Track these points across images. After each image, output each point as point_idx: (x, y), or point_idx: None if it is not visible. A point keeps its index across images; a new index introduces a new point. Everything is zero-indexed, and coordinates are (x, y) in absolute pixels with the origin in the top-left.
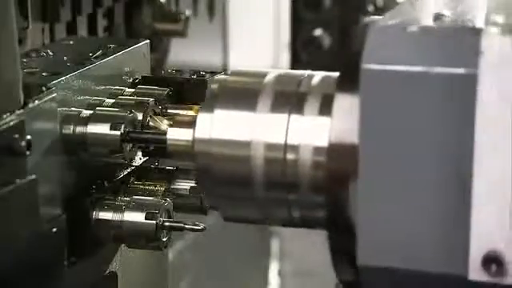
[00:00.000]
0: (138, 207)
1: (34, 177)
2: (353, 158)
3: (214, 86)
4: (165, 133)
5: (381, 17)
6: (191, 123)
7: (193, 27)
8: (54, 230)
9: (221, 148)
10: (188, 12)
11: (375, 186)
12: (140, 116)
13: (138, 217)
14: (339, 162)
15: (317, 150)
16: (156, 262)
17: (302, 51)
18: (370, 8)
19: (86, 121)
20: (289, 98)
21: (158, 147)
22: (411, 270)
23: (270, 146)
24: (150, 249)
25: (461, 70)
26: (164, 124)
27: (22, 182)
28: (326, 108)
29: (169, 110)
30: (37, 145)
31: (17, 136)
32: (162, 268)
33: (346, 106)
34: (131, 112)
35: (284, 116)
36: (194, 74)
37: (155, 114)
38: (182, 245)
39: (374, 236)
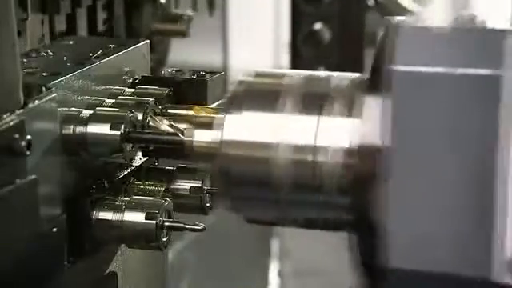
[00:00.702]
0: (137, 207)
1: (33, 177)
2: (381, 160)
3: (240, 88)
4: (171, 133)
5: (407, 18)
6: (212, 125)
7: (193, 26)
8: (54, 230)
9: (249, 150)
10: (189, 12)
11: (405, 188)
12: (140, 116)
13: (138, 217)
14: (368, 164)
15: (346, 152)
16: (156, 262)
17: (302, 46)
18: (371, 2)
19: (86, 121)
20: (317, 100)
21: (157, 147)
22: (440, 272)
23: (298, 148)
24: (150, 249)
25: (486, 71)
26: (164, 124)
27: (21, 182)
28: (355, 109)
29: (169, 110)
30: (37, 145)
31: (17, 136)
32: (161, 268)
33: (375, 107)
34: (131, 112)
35: (313, 118)
36: (194, 74)
37: (155, 114)
38: (182, 245)
39: (403, 238)
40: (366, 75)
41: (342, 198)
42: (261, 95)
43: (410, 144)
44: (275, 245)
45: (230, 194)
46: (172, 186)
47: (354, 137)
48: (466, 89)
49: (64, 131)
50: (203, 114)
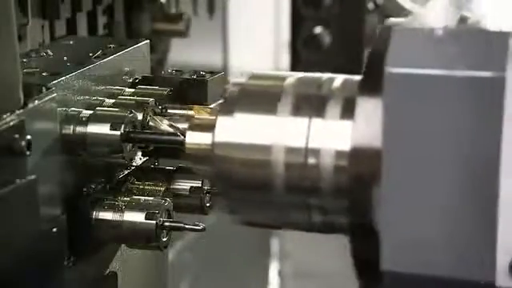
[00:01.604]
0: (137, 207)
1: (33, 177)
2: (376, 161)
3: (234, 89)
4: (171, 133)
5: (403, 19)
6: (208, 127)
7: (193, 27)
8: (54, 230)
9: (241, 152)
10: (189, 12)
11: (399, 190)
12: (140, 116)
13: (138, 217)
14: (362, 166)
15: (339, 154)
16: (156, 262)
17: (302, 49)
18: (370, 5)
19: (85, 121)
20: (310, 102)
21: (157, 147)
22: (436, 276)
23: (290, 150)
24: (150, 249)
25: (488, 74)
26: (164, 124)
27: (21, 182)
28: (347, 111)
29: (169, 110)
30: (37, 145)
31: (17, 136)
32: (161, 268)
33: (369, 109)
34: (131, 112)
35: (305, 120)
36: (193, 74)
37: (155, 114)
38: (182, 245)
39: (398, 241)
40: (360, 77)
41: (337, 200)
42: (254, 97)
43: (406, 146)
44: (275, 245)
45: (225, 196)
46: (172, 186)
47: (347, 139)
48: (467, 91)
49: (64, 131)
50: (203, 115)
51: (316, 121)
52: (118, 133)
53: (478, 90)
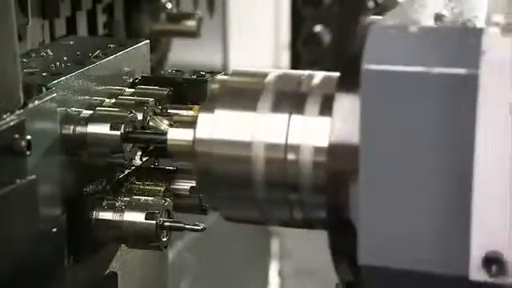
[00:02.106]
0: (138, 207)
1: (34, 177)
2: (353, 158)
3: (215, 86)
4: (165, 133)
5: (381, 17)
6: (192, 123)
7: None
8: (54, 230)
9: (221, 148)
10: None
11: (376, 186)
12: (140, 116)
13: (138, 217)
14: (340, 162)
15: (317, 150)
16: (156, 262)
17: (302, 48)
18: (370, 4)
19: (86, 121)
20: (289, 98)
21: (157, 147)
22: (412, 270)
23: (270, 147)
24: (150, 249)
25: (462, 71)
26: (164, 124)
27: (21, 181)
28: (326, 108)
29: (169, 110)
30: (37, 145)
31: (17, 136)
32: (162, 268)
33: (347, 106)
34: (131, 112)
35: (285, 116)
36: (194, 74)
37: (155, 114)
38: (182, 245)
39: (374, 236)
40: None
41: (317, 196)
42: (235, 94)
43: (382, 142)
44: (275, 245)
45: (207, 192)
46: (172, 186)
47: (325, 135)
48: (441, 88)
49: (64, 131)
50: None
51: (295, 117)
52: (117, 133)
53: (453, 87)
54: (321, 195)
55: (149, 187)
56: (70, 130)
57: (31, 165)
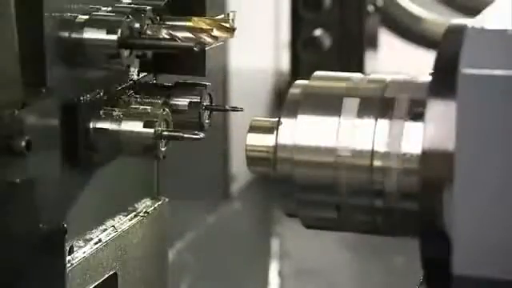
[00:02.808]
0: (135, 116)
1: (33, 177)
2: (448, 164)
3: (296, 91)
4: (169, 38)
5: (473, 19)
6: (271, 129)
7: None
8: (54, 230)
9: (305, 154)
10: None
11: (472, 193)
12: (137, 24)
13: (136, 126)
14: (434, 169)
15: (408, 157)
16: (156, 262)
17: (302, 51)
18: (370, 8)
19: (81, 26)
20: (375, 103)
21: (156, 59)
22: (508, 280)
23: (356, 153)
24: (147, 158)
25: None
26: (162, 33)
27: (21, 182)
28: (415, 113)
29: (167, 22)
30: (37, 145)
31: (16, 136)
32: (162, 268)
33: (440, 111)
34: (128, 17)
35: (371, 122)
36: None
37: (153, 23)
38: (182, 245)
39: (470, 245)
40: (428, 78)
41: (405, 203)
42: (317, 99)
43: (479, 148)
44: (275, 245)
45: (288, 198)
46: (170, 102)
47: (415, 141)
48: None
49: (60, 35)
50: (202, 25)
51: (382, 123)
52: (114, 37)
53: None
54: (409, 203)
55: (147, 100)
56: (65, 35)
57: (31, 165)
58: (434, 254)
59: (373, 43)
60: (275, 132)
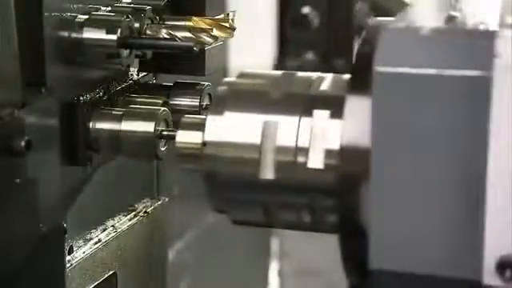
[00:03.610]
0: (135, 116)
1: (33, 177)
2: (365, 160)
3: (223, 88)
4: (169, 38)
5: (391, 18)
6: (200, 126)
7: None
8: (54, 230)
9: (230, 151)
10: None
11: (387, 190)
12: (137, 24)
13: (135, 125)
14: (351, 165)
15: (328, 153)
16: (156, 262)
17: (290, 29)
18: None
19: (81, 25)
20: (299, 101)
21: (155, 58)
22: (423, 274)
23: (280, 149)
24: (147, 159)
25: (475, 73)
26: (162, 32)
27: (21, 181)
28: (337, 110)
29: (166, 22)
30: (37, 145)
31: (16, 136)
32: (161, 268)
33: (358, 108)
34: (128, 17)
35: (294, 119)
36: None
37: (152, 22)
38: (182, 245)
39: (385, 240)
40: (348, 76)
41: (326, 199)
42: (243, 96)
43: (394, 145)
44: (275, 245)
45: (214, 194)
46: (170, 102)
47: (335, 137)
48: (454, 90)
49: (60, 35)
50: (202, 25)
51: (305, 120)
52: (114, 37)
53: (465, 89)
54: (331, 198)
55: (147, 99)
56: (65, 35)
57: (31, 165)
58: (353, 250)
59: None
60: (202, 129)
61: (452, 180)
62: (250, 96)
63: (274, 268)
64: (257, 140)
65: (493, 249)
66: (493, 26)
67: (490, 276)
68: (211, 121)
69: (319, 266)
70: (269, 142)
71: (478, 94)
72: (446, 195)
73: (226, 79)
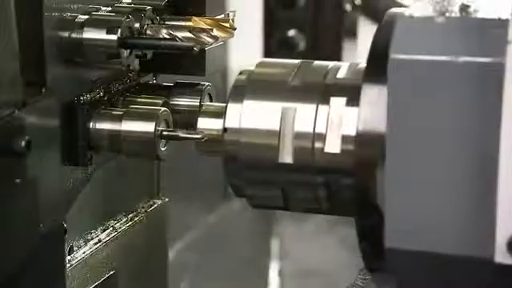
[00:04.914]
0: (135, 116)
1: (33, 177)
2: (380, 145)
3: (242, 77)
4: (169, 38)
5: (406, 8)
6: (220, 114)
7: None
8: (54, 230)
9: (251, 136)
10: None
11: (401, 171)
12: (137, 24)
13: (135, 126)
14: (368, 149)
15: (345, 139)
16: (156, 262)
17: (276, 8)
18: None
19: (81, 25)
20: (316, 88)
21: (155, 59)
22: (437, 253)
23: (298, 135)
24: (147, 159)
25: (488, 59)
26: (162, 32)
27: (21, 181)
28: (353, 98)
29: (167, 22)
30: (37, 144)
31: (17, 136)
32: (161, 268)
33: (374, 95)
34: (128, 17)
35: (312, 106)
36: None
37: (153, 23)
38: (182, 245)
39: (400, 219)
40: (365, 64)
41: (342, 181)
42: (262, 84)
43: (409, 130)
44: (275, 245)
45: (234, 179)
46: (170, 102)
47: (352, 124)
48: (467, 76)
49: (60, 35)
50: (202, 25)
51: (322, 107)
52: (114, 37)
53: (478, 75)
54: (348, 182)
55: (147, 100)
56: (65, 35)
57: (31, 165)
58: (369, 231)
59: (351, 33)
60: (223, 116)
61: (465, 162)
62: (269, 84)
63: (274, 268)
64: (276, 126)
65: (504, 228)
66: (505, 14)
67: (501, 255)
68: (232, 108)
69: (319, 266)
70: (287, 128)
71: (491, 80)
72: (459, 177)
73: (245, 68)
